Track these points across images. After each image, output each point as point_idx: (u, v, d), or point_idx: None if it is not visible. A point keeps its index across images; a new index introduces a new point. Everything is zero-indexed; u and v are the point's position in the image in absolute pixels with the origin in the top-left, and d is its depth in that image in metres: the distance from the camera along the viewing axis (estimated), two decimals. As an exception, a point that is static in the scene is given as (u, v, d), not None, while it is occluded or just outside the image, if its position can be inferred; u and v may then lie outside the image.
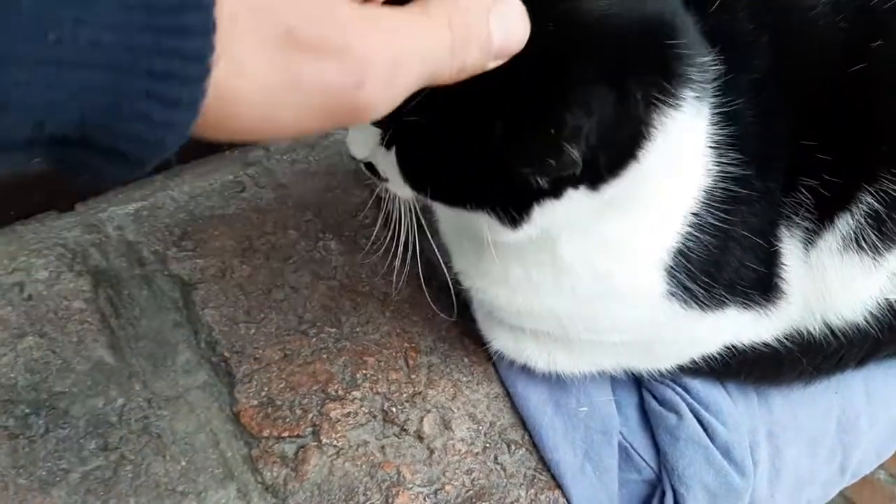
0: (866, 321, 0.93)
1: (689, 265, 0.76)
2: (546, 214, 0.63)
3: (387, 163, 0.65)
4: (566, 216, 0.65)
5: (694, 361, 0.93)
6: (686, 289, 0.79)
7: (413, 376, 0.96)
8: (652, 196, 0.70)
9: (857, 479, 1.11)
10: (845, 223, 0.83)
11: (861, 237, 0.83)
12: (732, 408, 0.95)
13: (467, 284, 0.85)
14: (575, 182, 0.60)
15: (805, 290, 0.88)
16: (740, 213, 0.79)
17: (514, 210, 0.62)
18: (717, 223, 0.77)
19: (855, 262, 0.85)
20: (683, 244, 0.75)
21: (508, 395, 0.98)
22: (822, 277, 0.86)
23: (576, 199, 0.62)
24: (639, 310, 0.82)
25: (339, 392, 0.93)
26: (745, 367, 0.95)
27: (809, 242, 0.84)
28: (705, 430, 0.94)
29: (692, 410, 0.94)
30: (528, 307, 0.80)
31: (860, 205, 0.82)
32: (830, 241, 0.84)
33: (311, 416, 0.91)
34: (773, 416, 1.00)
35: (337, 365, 0.96)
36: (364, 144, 0.65)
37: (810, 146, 0.80)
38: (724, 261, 0.78)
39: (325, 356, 0.96)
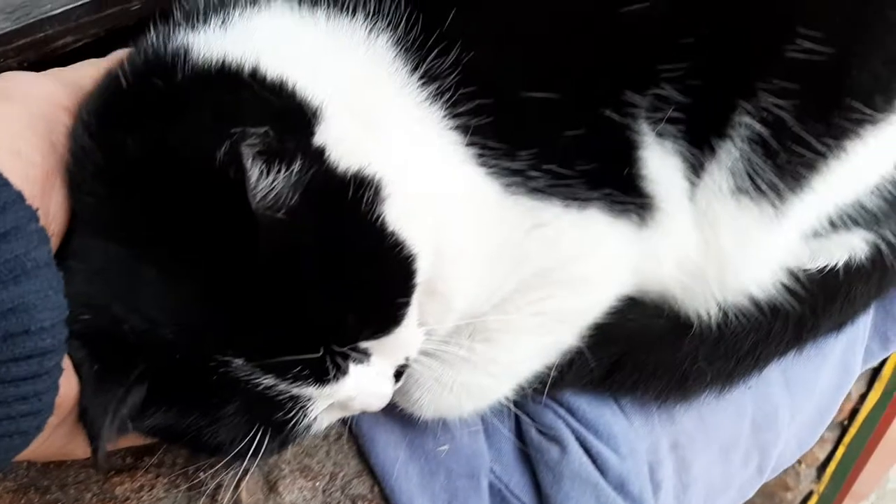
0: (779, 300, 0.80)
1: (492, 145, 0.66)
2: None
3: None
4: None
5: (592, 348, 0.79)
6: (511, 171, 0.66)
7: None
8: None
9: (777, 474, 0.96)
10: (728, 153, 0.71)
11: (754, 173, 0.71)
12: (626, 428, 0.79)
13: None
14: None
15: (697, 243, 0.76)
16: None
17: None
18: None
19: (751, 210, 0.73)
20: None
21: (353, 436, 0.78)
22: (713, 229, 0.74)
23: None
24: (493, 219, 0.69)
25: (128, 460, 0.72)
26: (641, 381, 0.79)
27: (694, 173, 0.72)
28: (594, 461, 0.77)
29: (578, 439, 0.78)
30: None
31: (740, 128, 0.70)
32: (717, 177, 0.72)
33: (89, 496, 0.70)
34: (678, 426, 0.85)
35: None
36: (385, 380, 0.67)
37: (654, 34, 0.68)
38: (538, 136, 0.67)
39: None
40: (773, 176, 0.72)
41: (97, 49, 0.86)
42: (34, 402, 0.50)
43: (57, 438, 0.57)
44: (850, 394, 1.80)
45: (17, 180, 0.51)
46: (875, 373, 1.77)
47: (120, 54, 0.70)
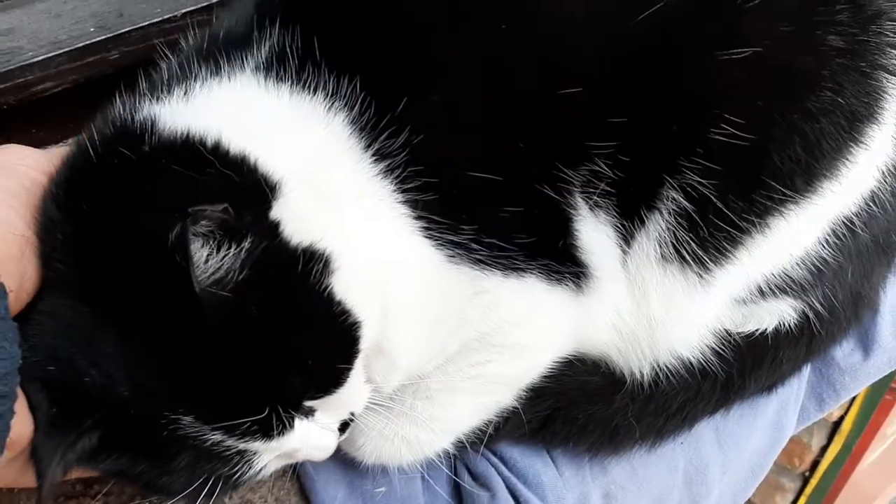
0: (708, 362, 0.84)
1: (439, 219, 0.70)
2: None
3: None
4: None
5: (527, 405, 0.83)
6: (455, 243, 0.71)
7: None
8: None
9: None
10: (656, 224, 0.75)
11: (679, 244, 0.75)
12: (556, 479, 0.83)
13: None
14: None
15: (629, 307, 0.80)
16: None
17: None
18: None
19: (677, 277, 0.77)
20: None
21: (297, 474, 0.82)
22: (643, 294, 0.78)
23: None
24: (437, 287, 0.73)
25: (78, 487, 0.76)
26: (573, 435, 0.83)
27: (625, 243, 0.76)
28: (522, 509, 0.80)
29: (508, 485, 0.82)
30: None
31: (667, 202, 0.74)
32: (646, 245, 0.76)
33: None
34: (610, 477, 0.88)
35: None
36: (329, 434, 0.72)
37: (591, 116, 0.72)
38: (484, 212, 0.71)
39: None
40: (697, 248, 0.76)
41: (76, 94, 0.91)
42: None
43: (11, 471, 0.62)
44: (811, 446, 1.84)
45: None
46: (835, 426, 1.81)
47: None
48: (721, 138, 0.72)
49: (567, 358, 0.84)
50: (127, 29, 0.93)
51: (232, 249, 0.59)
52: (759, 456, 1.00)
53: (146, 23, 0.94)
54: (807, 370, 1.00)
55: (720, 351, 0.84)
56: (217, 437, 0.63)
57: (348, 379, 0.67)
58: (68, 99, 0.92)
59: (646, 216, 0.76)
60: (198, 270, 0.57)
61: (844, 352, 1.02)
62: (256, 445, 0.65)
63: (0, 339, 0.54)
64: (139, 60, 0.86)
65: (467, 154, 0.72)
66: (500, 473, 0.83)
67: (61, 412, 0.60)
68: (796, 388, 1.00)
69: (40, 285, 0.63)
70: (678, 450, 0.92)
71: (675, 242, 0.75)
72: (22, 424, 0.58)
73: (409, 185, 0.70)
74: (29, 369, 0.59)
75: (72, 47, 0.91)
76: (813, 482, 1.90)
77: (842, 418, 1.77)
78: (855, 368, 1.02)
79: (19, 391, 0.57)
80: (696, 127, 0.72)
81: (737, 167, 0.73)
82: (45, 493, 0.60)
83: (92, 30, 0.93)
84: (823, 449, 1.84)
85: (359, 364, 0.68)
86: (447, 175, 0.70)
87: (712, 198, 0.74)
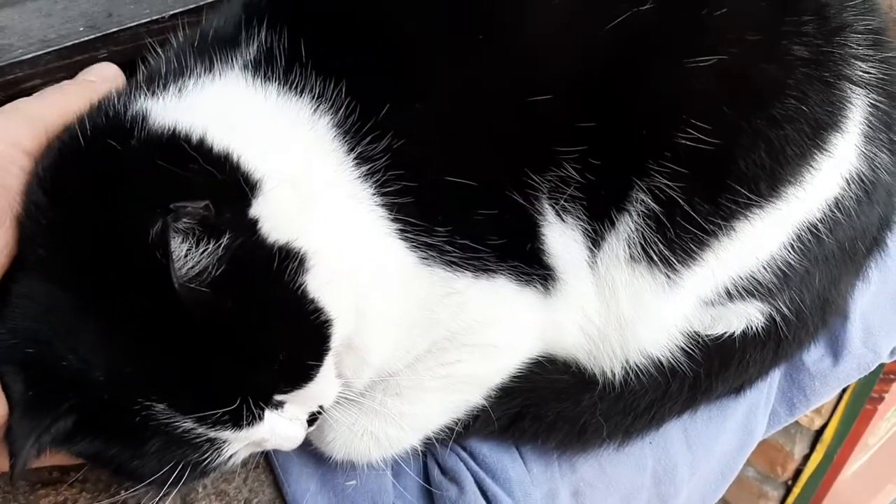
0: (677, 362, 0.85)
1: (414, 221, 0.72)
2: None
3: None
4: None
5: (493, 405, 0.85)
6: (429, 245, 0.73)
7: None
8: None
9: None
10: (626, 226, 0.77)
11: (647, 245, 0.77)
12: (523, 475, 0.85)
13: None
14: None
15: (598, 309, 0.82)
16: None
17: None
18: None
19: (645, 277, 0.79)
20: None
21: (270, 466, 0.84)
22: (613, 294, 0.80)
23: None
24: (409, 287, 0.74)
25: (54, 474, 0.78)
26: (542, 432, 0.85)
27: (594, 245, 0.78)
28: (489, 502, 0.81)
29: (477, 480, 0.83)
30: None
31: (636, 203, 0.76)
32: (615, 246, 0.78)
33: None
34: (578, 474, 0.90)
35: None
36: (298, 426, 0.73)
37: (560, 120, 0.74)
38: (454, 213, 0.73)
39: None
40: (665, 249, 0.78)
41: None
42: None
43: None
44: (793, 454, 1.85)
45: None
46: (818, 435, 1.82)
47: (91, 75, 0.77)
48: (688, 143, 0.74)
49: (536, 359, 0.86)
50: (116, 29, 0.95)
51: (210, 245, 0.61)
52: (728, 458, 1.02)
53: (135, 23, 0.95)
54: (776, 374, 1.02)
55: (689, 351, 0.86)
56: (188, 424, 0.65)
57: (318, 374, 0.69)
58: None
59: (615, 218, 0.78)
60: (177, 265, 0.59)
61: (814, 357, 1.04)
62: (226, 434, 0.67)
63: None
64: (128, 60, 0.87)
65: (445, 159, 0.74)
66: (468, 468, 0.85)
67: (38, 395, 0.62)
68: (766, 391, 1.01)
69: (21, 267, 0.64)
70: (647, 449, 0.94)
71: (643, 243, 0.77)
72: None
73: (388, 189, 0.72)
74: (7, 351, 0.61)
75: (61, 46, 0.93)
76: (795, 491, 1.91)
77: (824, 427, 1.78)
78: (825, 374, 1.04)
79: None
80: (664, 132, 0.75)
81: (703, 171, 0.75)
82: (18, 474, 0.62)
83: (81, 29, 0.95)
84: (806, 458, 1.86)
85: (329, 360, 0.70)
86: (425, 179, 0.72)
87: (679, 200, 0.76)
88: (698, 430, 0.97)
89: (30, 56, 0.89)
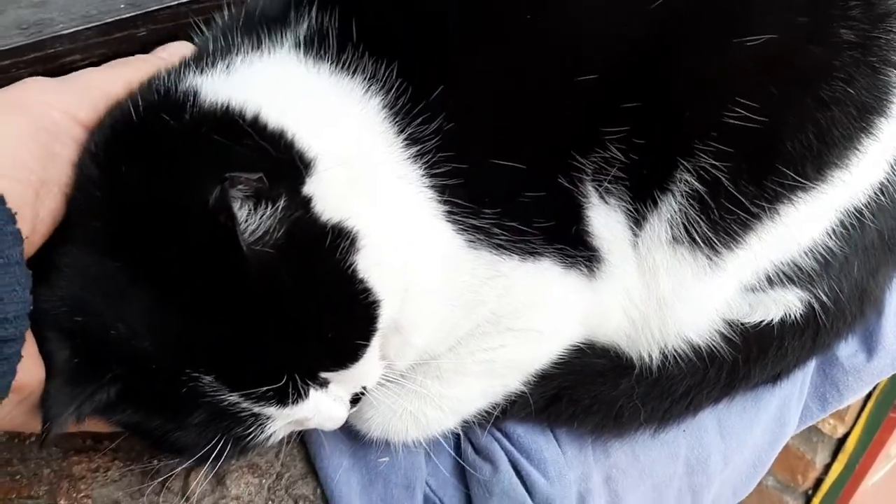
0: (715, 347, 0.85)
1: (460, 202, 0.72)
2: None
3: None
4: None
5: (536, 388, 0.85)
6: (476, 227, 0.73)
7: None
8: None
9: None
10: (669, 206, 0.77)
11: (690, 226, 0.77)
12: (558, 455, 0.84)
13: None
14: None
15: (640, 291, 0.82)
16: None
17: None
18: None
19: (687, 259, 0.78)
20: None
21: (303, 441, 0.83)
22: (654, 276, 0.80)
23: None
24: (456, 269, 0.74)
25: (88, 442, 0.77)
26: (578, 415, 0.84)
27: (637, 226, 0.78)
28: (524, 482, 0.81)
29: (511, 460, 0.82)
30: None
31: (679, 184, 0.76)
32: (657, 227, 0.78)
33: (47, 472, 0.75)
34: (612, 460, 0.89)
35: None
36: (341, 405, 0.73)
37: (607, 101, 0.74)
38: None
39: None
40: (708, 230, 0.77)
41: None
42: None
43: (18, 415, 0.63)
44: (814, 463, 1.83)
45: (10, 184, 0.57)
46: (839, 444, 1.80)
47: (165, 52, 0.76)
48: (735, 122, 0.73)
49: (577, 346, 0.86)
50: (156, 7, 0.95)
51: (269, 209, 0.61)
52: (760, 451, 1.01)
53: (175, 2, 0.96)
54: (811, 367, 1.01)
55: (728, 337, 0.85)
56: (234, 398, 0.64)
57: (364, 355, 0.69)
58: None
59: (658, 198, 0.77)
60: (241, 228, 0.59)
61: (848, 353, 1.03)
62: (271, 411, 0.66)
63: (14, 283, 0.54)
64: (167, 38, 0.87)
65: (493, 142, 0.74)
66: (502, 448, 0.84)
67: (83, 363, 0.61)
68: (799, 384, 1.00)
69: (69, 238, 0.64)
70: (680, 437, 0.93)
71: (686, 224, 0.77)
72: (31, 369, 0.59)
73: (437, 171, 0.72)
74: (55, 318, 0.61)
75: (101, 22, 0.93)
76: (816, 500, 1.88)
77: (846, 436, 1.76)
78: (858, 369, 1.03)
79: (30, 337, 0.58)
80: (711, 110, 0.74)
81: (749, 151, 0.75)
82: (50, 439, 0.62)
83: (122, 6, 0.95)
84: (827, 467, 1.83)
85: (376, 341, 0.69)
86: (474, 162, 0.72)
87: (724, 180, 0.75)
88: (732, 421, 0.96)
89: (70, 31, 0.89)
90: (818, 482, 1.88)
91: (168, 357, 0.62)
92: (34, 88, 0.66)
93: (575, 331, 0.84)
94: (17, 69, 0.85)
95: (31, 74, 0.89)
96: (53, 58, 0.90)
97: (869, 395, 1.69)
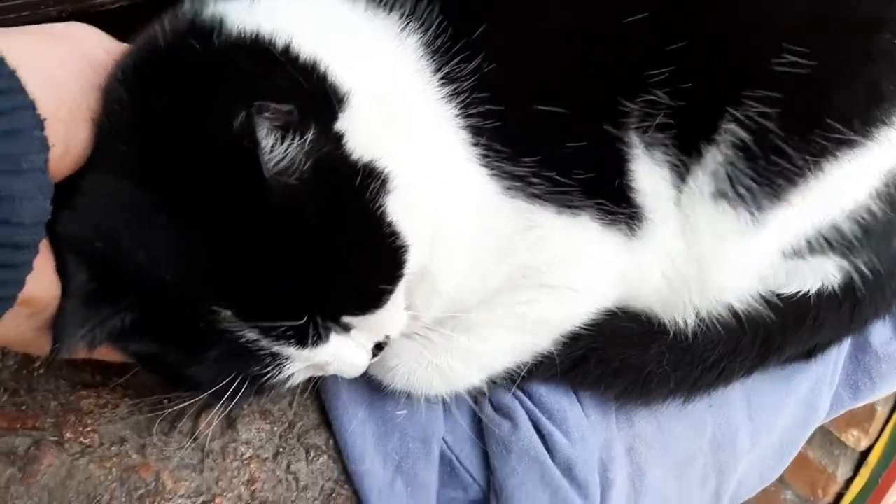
0: (751, 314, 0.83)
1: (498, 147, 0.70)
2: None
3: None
4: None
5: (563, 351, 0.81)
6: (513, 175, 0.70)
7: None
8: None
9: (737, 505, 0.96)
10: (714, 157, 0.74)
11: (734, 178, 0.74)
12: (581, 418, 0.81)
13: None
14: None
15: (680, 250, 0.79)
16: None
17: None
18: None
19: (729, 214, 0.76)
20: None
21: (317, 390, 0.80)
22: (694, 233, 0.77)
23: None
24: (489, 216, 0.72)
25: (97, 377, 0.75)
26: (605, 378, 0.81)
27: (681, 179, 0.75)
28: (545, 442, 0.78)
29: (532, 419, 0.79)
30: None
31: (725, 134, 0.73)
32: (701, 180, 0.75)
33: (54, 405, 0.73)
34: (635, 429, 0.86)
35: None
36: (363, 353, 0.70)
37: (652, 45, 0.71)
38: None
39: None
40: (752, 182, 0.75)
41: (134, 11, 0.91)
42: None
43: (27, 331, 0.60)
44: (835, 477, 1.78)
45: (45, 96, 0.54)
46: (862, 458, 1.75)
47: None
48: (784, 68, 0.71)
49: (610, 310, 0.83)
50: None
51: (296, 140, 0.59)
52: (788, 434, 0.97)
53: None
54: (844, 350, 0.97)
55: (767, 300, 0.83)
56: (253, 335, 0.62)
57: (389, 301, 0.66)
58: (126, 15, 0.92)
59: (704, 150, 0.75)
60: (265, 156, 0.56)
61: (882, 339, 1.00)
62: (290, 351, 0.64)
63: (35, 189, 0.52)
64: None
65: (535, 85, 0.71)
66: (523, 406, 0.81)
67: (100, 287, 0.59)
68: (832, 367, 0.97)
69: (94, 164, 0.62)
70: (707, 413, 0.90)
71: (730, 176, 0.75)
72: (44, 284, 0.57)
73: (472, 111, 0.69)
74: (76, 241, 0.59)
75: (133, -39, 0.92)
76: (835, 516, 1.83)
77: (869, 449, 1.72)
78: (893, 357, 1.00)
79: (47, 253, 0.56)
80: (761, 56, 0.72)
81: (797, 99, 0.73)
82: (60, 359, 0.60)
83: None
84: (849, 482, 1.79)
85: (401, 288, 0.67)
86: (513, 104, 0.70)
87: (771, 130, 0.73)
88: (761, 400, 0.92)
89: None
90: (839, 497, 1.83)
91: (188, 289, 0.60)
92: (83, 28, 0.66)
93: (611, 292, 0.81)
94: (47, 6, 0.85)
95: (60, 13, 0.88)
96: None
97: (894, 407, 1.64)
